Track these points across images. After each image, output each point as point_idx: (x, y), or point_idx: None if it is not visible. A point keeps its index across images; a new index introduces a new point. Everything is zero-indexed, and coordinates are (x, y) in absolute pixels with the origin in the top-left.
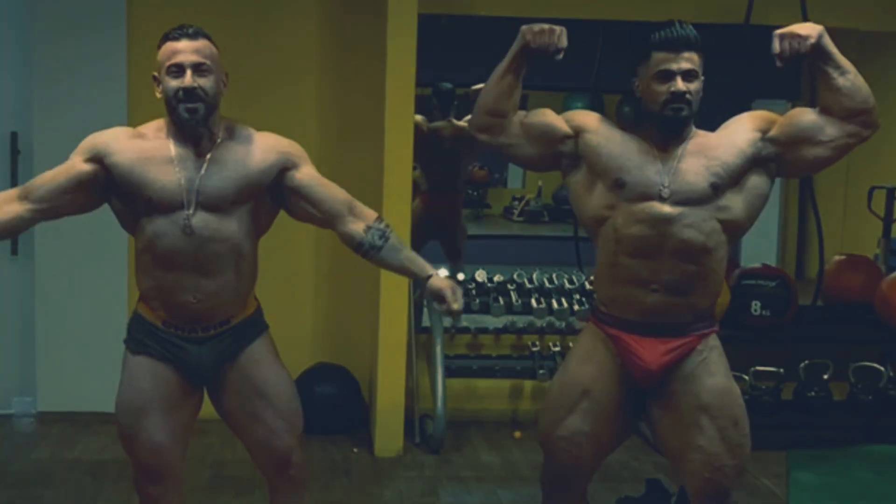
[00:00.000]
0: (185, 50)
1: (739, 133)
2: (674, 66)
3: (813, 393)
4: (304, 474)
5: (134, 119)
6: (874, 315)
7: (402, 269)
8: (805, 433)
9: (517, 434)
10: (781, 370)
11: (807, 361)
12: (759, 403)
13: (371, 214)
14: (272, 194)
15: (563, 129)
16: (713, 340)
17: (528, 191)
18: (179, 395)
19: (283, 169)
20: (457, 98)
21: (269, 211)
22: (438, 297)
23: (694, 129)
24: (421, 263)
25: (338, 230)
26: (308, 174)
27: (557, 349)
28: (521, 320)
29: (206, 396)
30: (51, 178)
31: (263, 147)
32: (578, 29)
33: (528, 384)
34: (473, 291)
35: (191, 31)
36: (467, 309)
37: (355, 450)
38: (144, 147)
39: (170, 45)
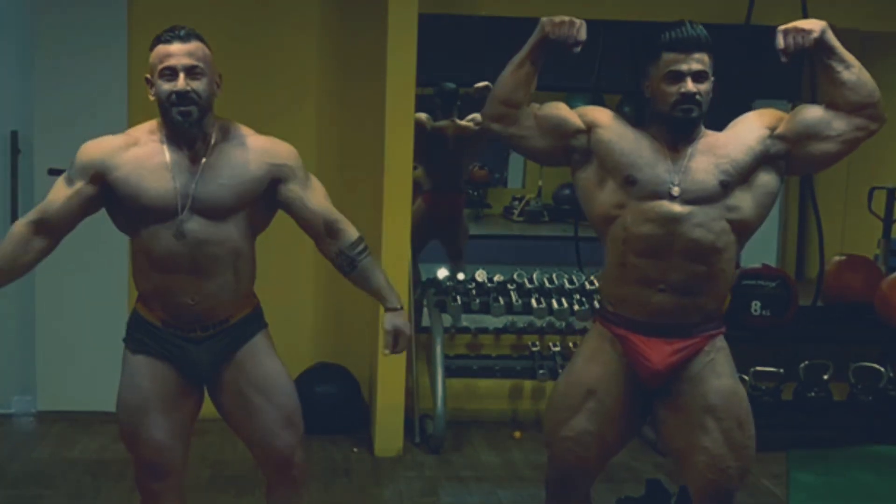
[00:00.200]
0: (177, 53)
1: (748, 130)
2: (684, 67)
3: (813, 393)
4: (304, 474)
5: (134, 120)
6: (874, 315)
7: (370, 293)
8: (805, 433)
9: (517, 434)
10: (781, 370)
11: (807, 362)
12: (758, 404)
13: (348, 237)
14: (266, 200)
15: (576, 123)
16: (720, 341)
17: (528, 191)
18: (179, 393)
19: (275, 180)
20: (460, 98)
21: (266, 212)
22: (387, 333)
23: (703, 128)
24: (385, 294)
25: (317, 247)
26: (293, 191)
27: (557, 349)
28: (521, 320)
29: (206, 397)
30: (60, 206)
31: (257, 154)
32: None
33: (528, 384)
34: (473, 291)
35: (182, 33)
36: (467, 309)
37: (355, 450)
38: (139, 155)
39: (161, 48)
